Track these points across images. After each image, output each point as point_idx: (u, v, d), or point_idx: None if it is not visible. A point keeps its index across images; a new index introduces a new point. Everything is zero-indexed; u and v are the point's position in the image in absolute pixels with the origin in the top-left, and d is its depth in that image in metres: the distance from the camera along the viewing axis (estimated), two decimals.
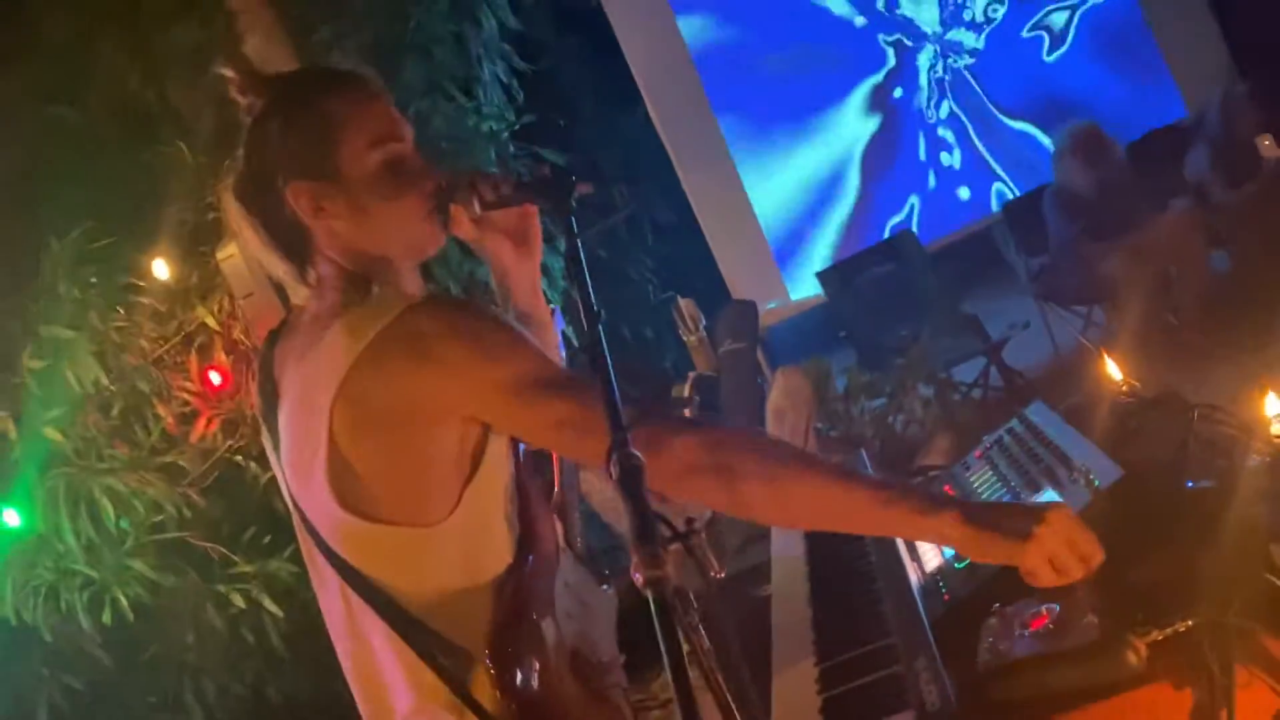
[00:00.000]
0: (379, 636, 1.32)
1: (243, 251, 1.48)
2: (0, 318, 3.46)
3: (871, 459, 4.06)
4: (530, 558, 1.37)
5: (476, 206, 1.36)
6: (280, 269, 1.38)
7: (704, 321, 5.33)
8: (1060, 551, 1.10)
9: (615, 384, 1.07)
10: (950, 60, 6.38)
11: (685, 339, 4.96)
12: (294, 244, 1.36)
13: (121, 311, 3.65)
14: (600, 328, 1.14)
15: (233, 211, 1.38)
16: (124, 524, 3.46)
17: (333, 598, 1.37)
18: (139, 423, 3.73)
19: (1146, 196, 4.90)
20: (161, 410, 3.75)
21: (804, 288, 5.90)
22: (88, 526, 3.41)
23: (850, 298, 5.45)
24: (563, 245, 1.19)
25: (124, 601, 3.41)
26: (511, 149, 6.53)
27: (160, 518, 3.56)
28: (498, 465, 1.35)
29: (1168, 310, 4.81)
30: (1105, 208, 4.83)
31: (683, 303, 4.97)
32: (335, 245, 1.36)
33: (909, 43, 6.31)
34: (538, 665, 1.26)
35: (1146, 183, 5.02)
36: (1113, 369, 2.05)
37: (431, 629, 1.29)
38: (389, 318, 1.27)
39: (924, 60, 6.34)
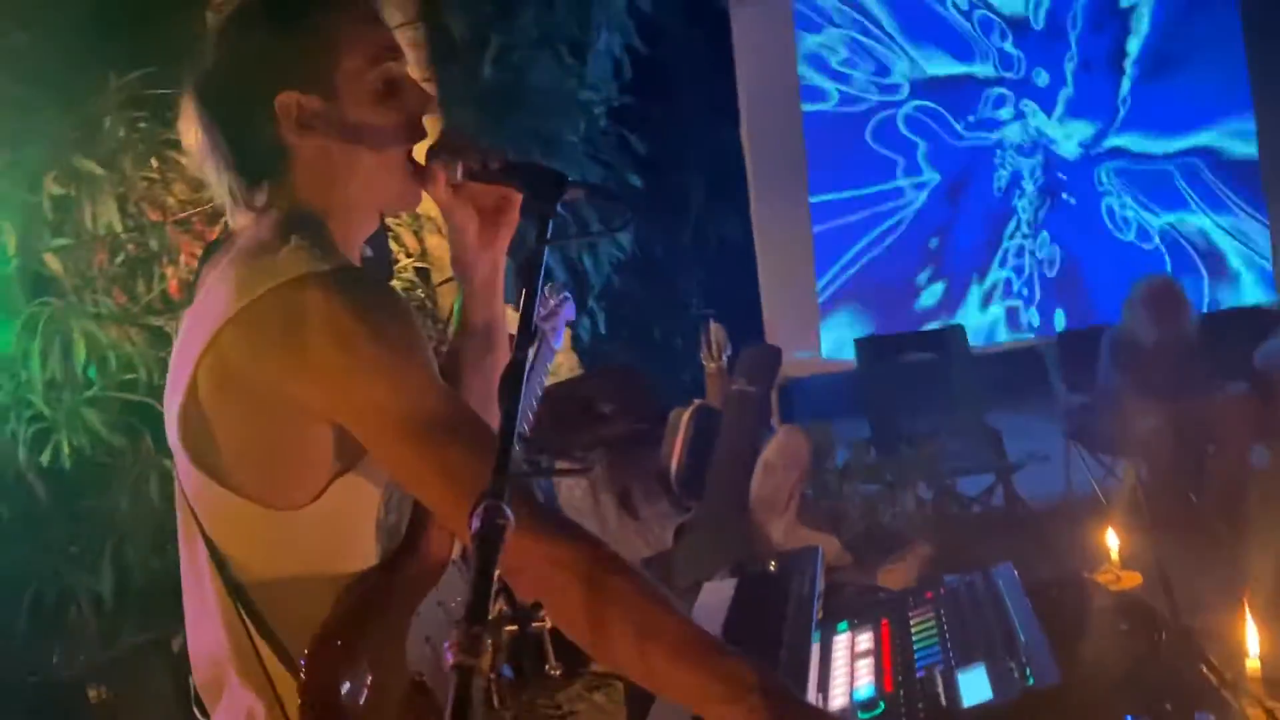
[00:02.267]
0: (214, 598, 1.21)
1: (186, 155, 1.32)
2: (36, 135, 3.39)
3: (846, 544, 3.97)
4: (398, 570, 1.23)
5: (459, 172, 1.24)
6: (225, 185, 1.23)
7: (729, 351, 5.21)
8: None
9: (516, 426, 0.94)
10: (1059, 177, 6.24)
11: (705, 363, 4.84)
12: (261, 160, 1.22)
13: (156, 164, 3.57)
14: (530, 350, 1.03)
15: (186, 117, 1.24)
16: (92, 373, 3.39)
17: (185, 540, 1.25)
18: (143, 277, 3.66)
19: (1206, 370, 4.73)
20: (167, 272, 3.69)
21: (837, 348, 5.76)
22: (56, 363, 3.34)
23: (881, 374, 5.31)
24: (571, 256, 1.07)
25: (67, 447, 3.34)
26: (602, 124, 6.46)
27: (131, 376, 3.49)
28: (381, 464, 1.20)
29: (1192, 488, 4.63)
30: (1161, 367, 4.67)
31: (714, 326, 4.86)
32: (306, 170, 1.22)
33: (1022, 147, 6.17)
34: (354, 680, 1.13)
35: (1210, 356, 4.84)
36: (1112, 541, 1.92)
37: (258, 610, 1.18)
38: (280, 279, 1.11)
39: (1029, 168, 6.19)
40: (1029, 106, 6.20)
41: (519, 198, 1.29)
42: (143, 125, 3.58)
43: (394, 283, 4.29)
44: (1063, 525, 4.51)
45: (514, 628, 0.79)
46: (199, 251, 3.73)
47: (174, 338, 3.71)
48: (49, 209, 3.37)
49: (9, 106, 3.33)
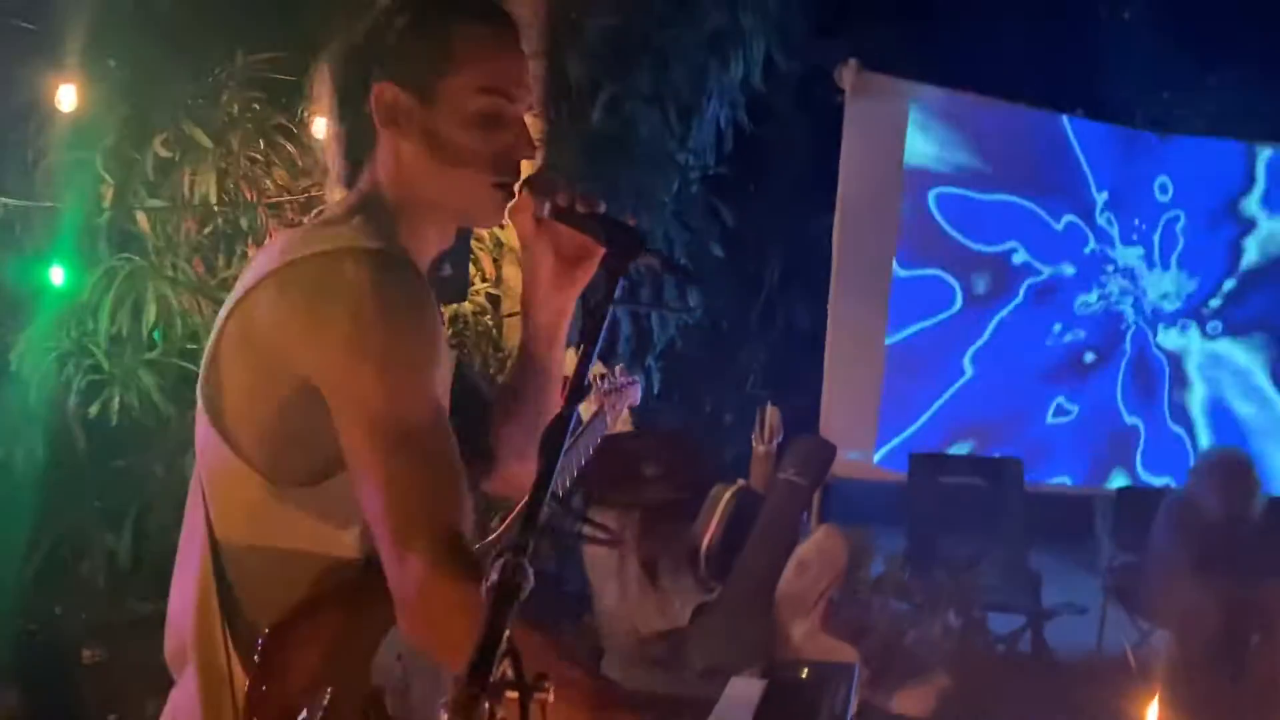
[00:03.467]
0: (196, 561, 1.18)
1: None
2: (157, 96, 3.44)
3: (864, 658, 3.84)
4: (380, 574, 1.17)
5: (546, 208, 1.22)
6: (334, 156, 1.26)
7: (780, 438, 5.12)
8: None
9: (551, 482, 0.88)
10: (1159, 338, 6.17)
11: (755, 445, 4.76)
12: (357, 141, 1.23)
13: (262, 145, 3.61)
14: (578, 407, 0.98)
15: (317, 83, 1.26)
16: (157, 335, 3.40)
17: (191, 499, 1.23)
18: (224, 252, 3.68)
19: (1266, 556, 4.55)
20: (250, 251, 3.70)
21: (890, 457, 5.65)
22: (125, 319, 3.35)
23: (930, 492, 5.19)
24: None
25: (117, 404, 3.33)
26: (694, 189, 6.47)
27: (193, 347, 3.49)
28: None
29: (1231, 675, 4.44)
30: (1219, 544, 4.49)
31: (770, 410, 4.78)
32: (388, 164, 1.22)
33: (1123, 299, 6.11)
34: (307, 676, 1.10)
35: (1273, 542, 4.66)
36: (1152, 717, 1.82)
37: (229, 581, 1.15)
38: (324, 247, 1.12)
39: (1133, 321, 6.12)
40: (1124, 258, 6.13)
41: (599, 251, 1.26)
42: (257, 106, 3.63)
43: (465, 305, 4.28)
44: (1088, 684, 4.35)
45: (515, 696, 0.74)
46: None
47: None
48: (151, 169, 3.40)
49: (140, 65, 3.38)
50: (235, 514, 1.17)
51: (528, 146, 1.23)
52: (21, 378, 3.25)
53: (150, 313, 3.37)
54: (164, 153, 3.41)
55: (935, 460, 5.40)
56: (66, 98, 3.12)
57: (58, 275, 3.18)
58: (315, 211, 1.36)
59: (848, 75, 5.29)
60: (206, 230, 3.58)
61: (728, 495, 3.92)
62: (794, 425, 5.30)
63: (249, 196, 3.59)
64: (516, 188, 1.23)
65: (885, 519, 5.36)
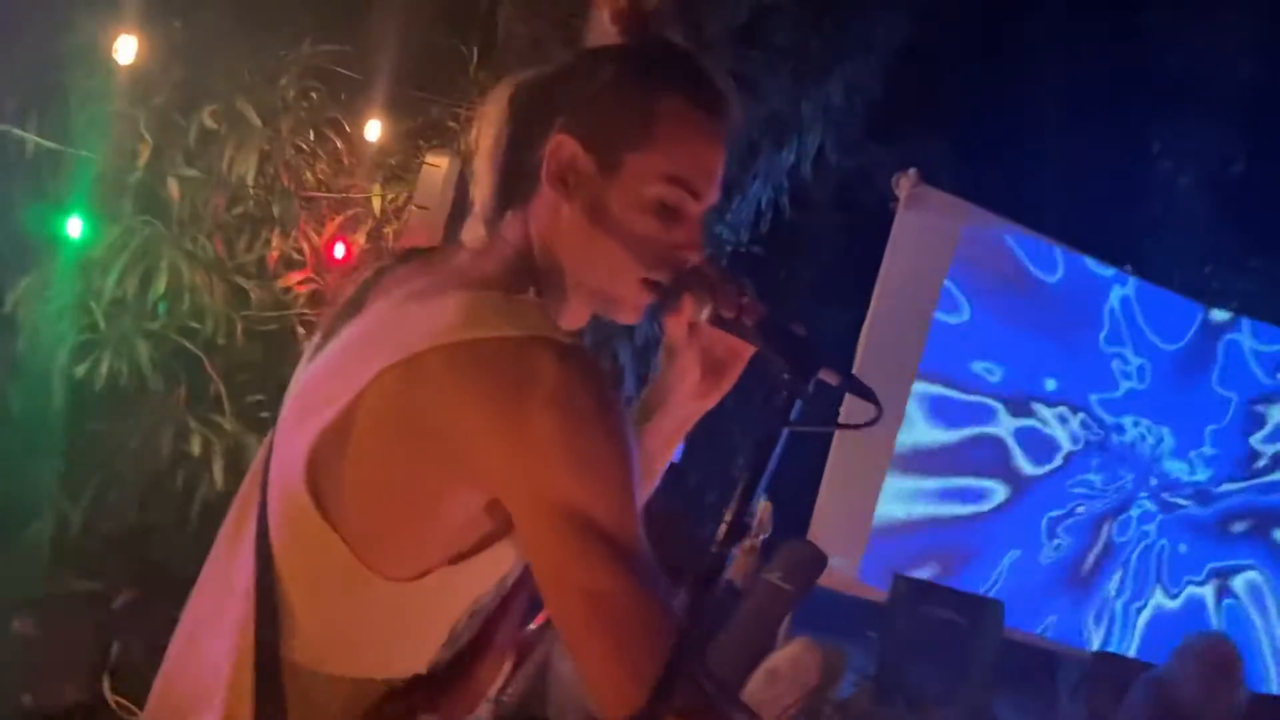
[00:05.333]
0: (232, 633, 1.04)
1: (472, 152, 1.18)
2: (215, 67, 3.34)
3: None
4: (441, 690, 1.08)
5: (706, 314, 1.08)
6: (486, 193, 1.11)
7: (767, 534, 4.97)
8: None
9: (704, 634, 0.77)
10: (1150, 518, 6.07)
11: None
12: (514, 185, 1.10)
13: (311, 137, 3.50)
14: (735, 546, 0.87)
15: (493, 108, 1.12)
16: (162, 307, 3.26)
17: (226, 553, 1.09)
18: (249, 237, 3.56)
19: None
20: (275, 241, 3.58)
21: (873, 573, 5.49)
22: (133, 283, 3.22)
23: (906, 618, 5.02)
24: None
25: (105, 368, 3.18)
26: (724, 261, 6.40)
27: (195, 325, 3.35)
28: (492, 567, 1.06)
29: None
30: None
31: (762, 504, 4.65)
32: (541, 222, 1.08)
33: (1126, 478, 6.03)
34: None
35: None
36: None
37: (283, 669, 1.02)
38: (516, 331, 0.98)
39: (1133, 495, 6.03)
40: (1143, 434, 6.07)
41: (748, 354, 1.13)
42: (314, 95, 3.54)
43: None
44: None
45: None
46: (313, 232, 3.65)
47: (252, 304, 3.55)
48: (194, 138, 3.29)
49: (203, 29, 3.28)
50: (312, 595, 1.04)
51: (695, 249, 1.09)
52: (15, 323, 3.11)
53: (160, 282, 3.24)
54: (210, 124, 3.30)
55: (916, 586, 5.24)
56: (125, 49, 3.02)
57: (75, 226, 3.04)
58: (404, 251, 1.19)
59: (905, 184, 5.23)
60: (236, 210, 3.46)
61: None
62: (783, 523, 5.16)
63: (286, 184, 3.48)
64: (667, 287, 1.09)
65: (854, 629, 5.20)
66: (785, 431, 0.96)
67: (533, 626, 1.22)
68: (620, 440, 0.98)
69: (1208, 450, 6.14)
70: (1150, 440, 6.06)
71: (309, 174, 3.55)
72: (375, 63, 3.56)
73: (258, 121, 3.34)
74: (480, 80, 3.87)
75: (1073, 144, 7.49)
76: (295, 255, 3.59)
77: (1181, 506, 6.12)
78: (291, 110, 3.44)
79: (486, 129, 1.11)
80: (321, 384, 1.06)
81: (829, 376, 1.04)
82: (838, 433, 5.66)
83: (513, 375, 0.96)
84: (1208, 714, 4.39)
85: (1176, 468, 6.11)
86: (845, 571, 5.28)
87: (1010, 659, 5.54)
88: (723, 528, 0.94)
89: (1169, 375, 6.03)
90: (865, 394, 1.05)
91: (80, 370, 3.19)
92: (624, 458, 0.98)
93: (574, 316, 1.13)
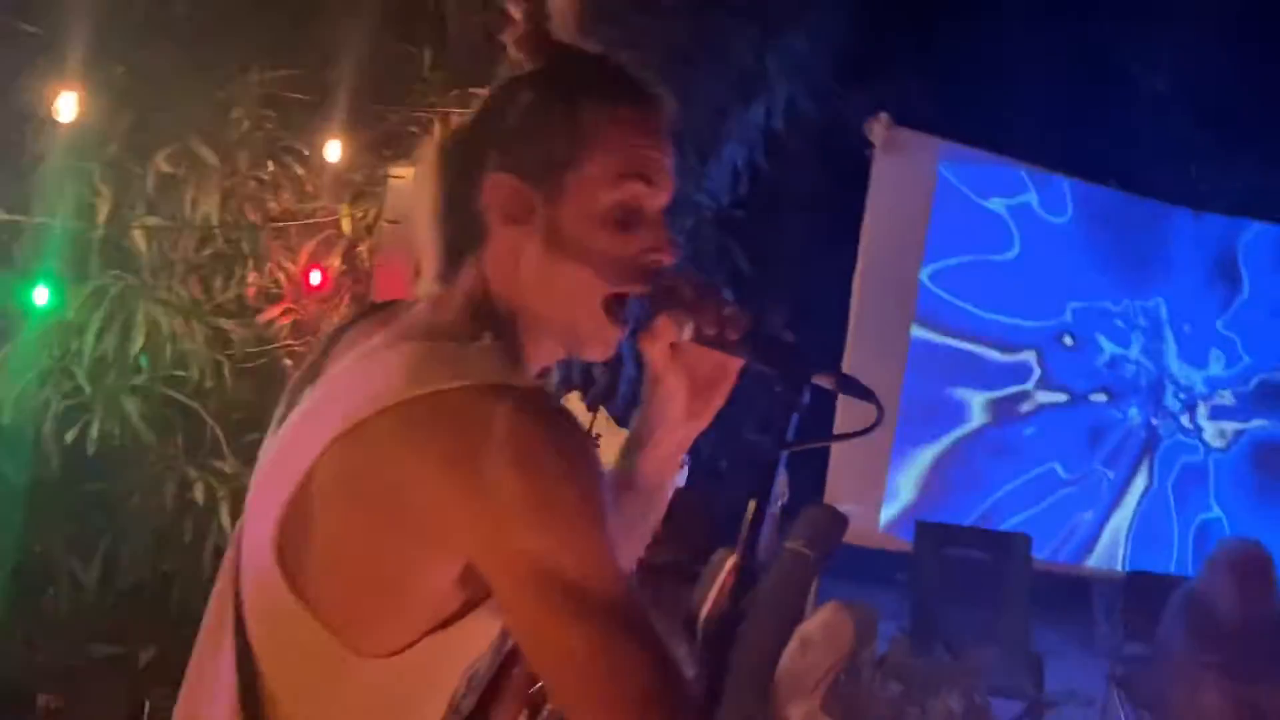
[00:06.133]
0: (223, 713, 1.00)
1: (411, 207, 1.14)
2: (164, 108, 3.26)
3: None
4: None
5: (687, 333, 1.02)
6: (431, 252, 1.06)
7: (785, 500, 4.94)
8: None
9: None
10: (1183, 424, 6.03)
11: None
12: (460, 239, 1.04)
13: (271, 166, 3.44)
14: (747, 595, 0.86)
15: (423, 167, 1.07)
16: (144, 360, 3.21)
17: (210, 650, 1.05)
18: (222, 275, 3.51)
19: None
20: (251, 277, 3.53)
21: (896, 524, 5.48)
22: (112, 341, 3.17)
23: (934, 564, 5.01)
24: None
25: (96, 431, 3.14)
26: (706, 229, 6.32)
27: (181, 373, 3.31)
28: (481, 631, 1.01)
29: None
30: (1236, 643, 4.31)
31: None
32: (499, 263, 1.03)
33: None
34: None
35: None
36: None
37: None
38: (463, 381, 0.92)
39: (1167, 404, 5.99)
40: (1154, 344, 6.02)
41: (737, 366, 1.08)
42: (269, 125, 3.46)
43: None
44: None
45: None
46: (286, 262, 3.59)
47: (235, 343, 3.50)
48: (152, 186, 3.22)
49: (147, 72, 3.21)
50: (294, 683, 0.99)
51: (665, 250, 1.03)
52: None
53: (139, 335, 3.18)
54: (167, 168, 3.23)
55: (939, 530, 5.22)
56: (67, 106, 2.95)
57: (41, 295, 2.99)
58: (365, 307, 1.14)
59: (878, 128, 5.16)
60: (206, 252, 3.40)
61: (731, 560, 3.74)
62: (799, 488, 5.12)
63: (252, 218, 3.41)
64: (636, 303, 1.03)
65: (882, 578, 5.19)
66: (785, 455, 0.93)
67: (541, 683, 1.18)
68: (585, 484, 0.92)
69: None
70: (1171, 350, 6.03)
71: (274, 204, 3.49)
72: (325, 80, 3.48)
73: (214, 159, 3.27)
74: (436, 80, 3.79)
75: (1045, 63, 7.37)
76: (273, 288, 3.54)
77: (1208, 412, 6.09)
78: (247, 142, 3.37)
79: (421, 191, 1.06)
80: (281, 458, 1.01)
81: (824, 381, 0.99)
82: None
83: (463, 430, 0.91)
84: (1245, 620, 4.37)
85: (1192, 375, 6.07)
86: (866, 524, 5.26)
87: (1043, 589, 5.53)
88: (729, 576, 0.89)
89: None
90: (864, 394, 1.01)
91: (70, 436, 3.15)
92: (590, 502, 0.92)
93: (543, 355, 1.07)
